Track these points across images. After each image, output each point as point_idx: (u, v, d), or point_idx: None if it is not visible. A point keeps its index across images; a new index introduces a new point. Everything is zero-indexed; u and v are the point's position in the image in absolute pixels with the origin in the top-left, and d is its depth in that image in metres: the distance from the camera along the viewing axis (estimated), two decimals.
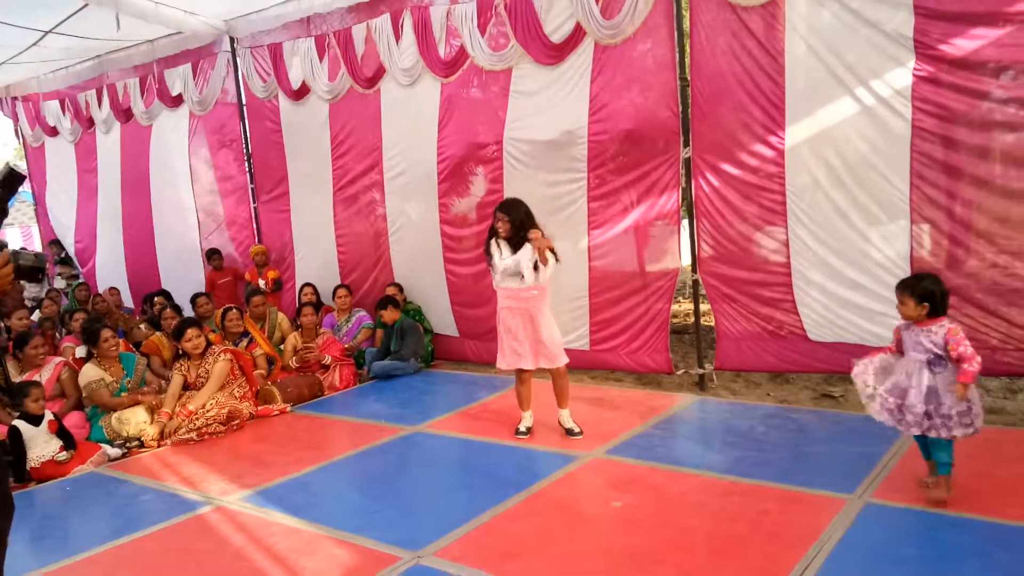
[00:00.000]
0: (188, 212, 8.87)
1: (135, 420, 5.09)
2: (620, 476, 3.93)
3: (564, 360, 4.53)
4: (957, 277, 4.49)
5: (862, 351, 4.81)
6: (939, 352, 3.28)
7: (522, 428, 4.64)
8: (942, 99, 4.40)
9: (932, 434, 3.27)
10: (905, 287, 3.39)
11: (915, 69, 4.44)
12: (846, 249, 4.87)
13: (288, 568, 3.19)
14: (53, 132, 10.00)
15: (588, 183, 5.86)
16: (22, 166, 2.30)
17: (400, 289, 6.97)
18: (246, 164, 8.28)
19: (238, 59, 8.03)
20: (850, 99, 4.69)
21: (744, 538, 3.15)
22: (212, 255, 8.25)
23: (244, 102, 8.14)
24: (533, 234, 4.38)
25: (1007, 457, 3.52)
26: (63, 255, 10.13)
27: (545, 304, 4.52)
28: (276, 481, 4.22)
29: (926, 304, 3.29)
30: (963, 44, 4.30)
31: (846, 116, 4.74)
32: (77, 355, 5.73)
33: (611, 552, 3.13)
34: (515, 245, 4.45)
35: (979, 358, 3.16)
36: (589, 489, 3.84)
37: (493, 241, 4.55)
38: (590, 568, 3.02)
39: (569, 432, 4.54)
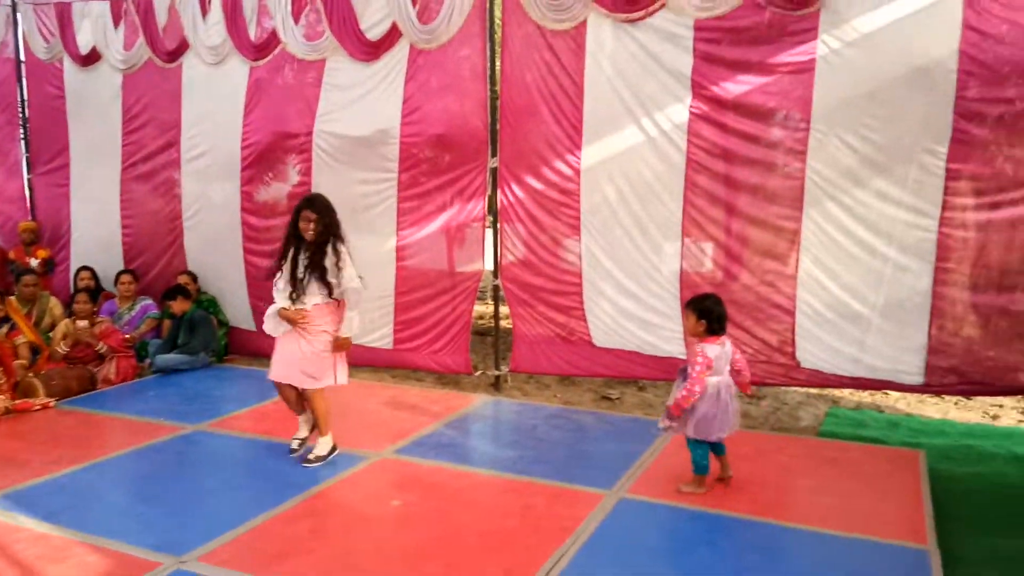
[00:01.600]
0: None
1: None
2: (404, 475, 4.01)
3: (315, 385, 4.14)
4: (719, 294, 5.03)
5: (638, 359, 5.36)
6: (686, 365, 3.72)
7: (293, 442, 4.30)
8: (713, 136, 4.92)
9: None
10: (689, 304, 3.78)
11: (691, 107, 4.93)
12: (629, 264, 5.30)
13: None
14: None
15: (399, 183, 5.90)
16: None
17: (193, 278, 6.59)
18: (20, 131, 7.44)
19: (19, 15, 7.20)
20: (637, 128, 5.11)
21: (510, 532, 3.35)
22: None
23: (24, 64, 7.31)
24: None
25: (742, 456, 4.01)
26: None
27: (327, 321, 4.13)
28: (29, 482, 3.86)
29: (703, 321, 3.68)
30: (733, 88, 4.84)
31: (634, 143, 5.16)
32: None
33: (383, 550, 3.20)
34: (314, 252, 4.05)
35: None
36: (371, 489, 3.88)
37: (294, 253, 4.10)
38: (361, 566, 3.07)
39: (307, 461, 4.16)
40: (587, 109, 5.30)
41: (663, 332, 5.20)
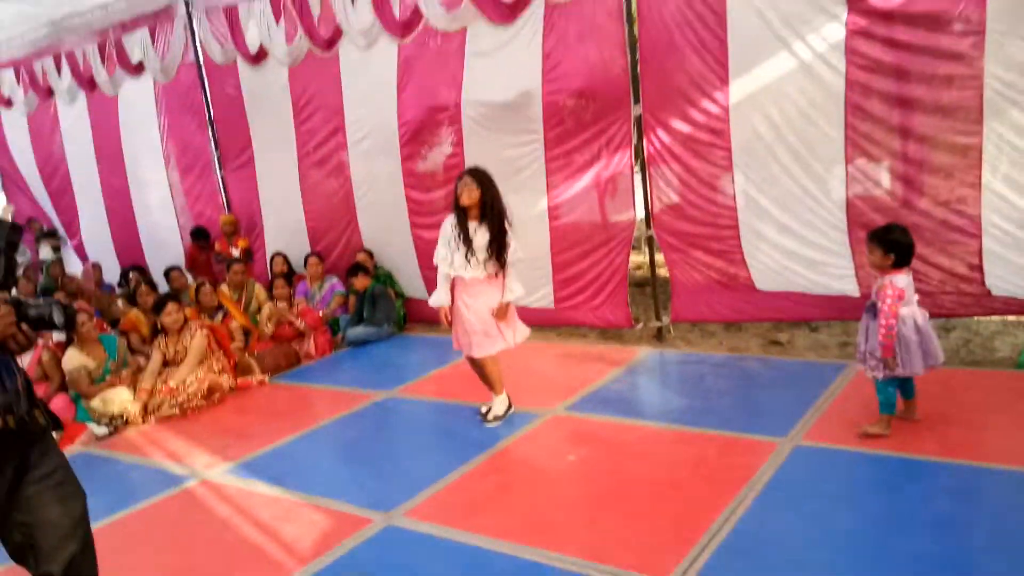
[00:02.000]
0: (161, 185, 8.88)
1: (119, 399, 5.31)
2: (577, 431, 4.23)
3: (481, 353, 4.36)
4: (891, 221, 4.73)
5: (807, 299, 5.18)
6: (874, 300, 3.58)
7: (483, 407, 4.54)
8: (874, 52, 4.56)
9: (868, 374, 3.60)
10: (873, 236, 3.62)
11: (848, 23, 4.58)
12: (789, 201, 5.08)
13: (270, 535, 3.47)
14: (7, 103, 9.85)
15: (545, 144, 6.00)
16: (7, 212, 2.26)
17: (370, 255, 7.14)
18: (209, 132, 8.31)
19: (194, 23, 7.96)
20: (788, 54, 4.83)
21: (683, 482, 3.46)
22: (199, 235, 8.21)
23: (204, 68, 8.10)
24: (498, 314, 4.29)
25: (929, 394, 3.82)
26: (46, 228, 10.12)
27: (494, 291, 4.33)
28: (257, 452, 4.49)
29: (891, 255, 3.53)
30: None
31: (786, 70, 4.88)
32: (55, 339, 5.90)
33: (564, 502, 3.44)
34: (482, 219, 4.23)
35: (891, 321, 3.44)
36: (548, 445, 4.13)
37: (459, 223, 4.28)
38: (546, 518, 3.32)
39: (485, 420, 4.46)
40: (731, 40, 5.06)
41: (832, 270, 4.97)
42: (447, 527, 3.32)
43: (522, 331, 4.54)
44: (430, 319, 7.01)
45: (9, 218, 2.49)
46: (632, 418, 4.28)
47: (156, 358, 5.56)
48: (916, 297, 3.59)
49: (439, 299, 4.49)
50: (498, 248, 4.24)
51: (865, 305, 3.70)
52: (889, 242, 3.53)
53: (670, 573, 2.77)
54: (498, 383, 4.48)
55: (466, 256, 4.27)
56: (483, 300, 4.33)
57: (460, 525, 3.33)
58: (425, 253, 6.88)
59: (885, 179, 4.74)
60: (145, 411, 5.32)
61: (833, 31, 4.66)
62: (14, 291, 2.19)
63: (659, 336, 5.73)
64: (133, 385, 5.50)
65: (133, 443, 4.97)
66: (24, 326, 2.08)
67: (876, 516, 3.02)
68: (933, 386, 3.94)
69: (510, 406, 4.52)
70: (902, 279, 3.52)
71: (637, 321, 5.91)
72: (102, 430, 5.15)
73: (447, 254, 4.36)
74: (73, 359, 5.44)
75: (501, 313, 4.34)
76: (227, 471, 4.27)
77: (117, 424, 5.26)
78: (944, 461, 3.34)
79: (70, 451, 4.91)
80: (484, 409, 4.58)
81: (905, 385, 3.66)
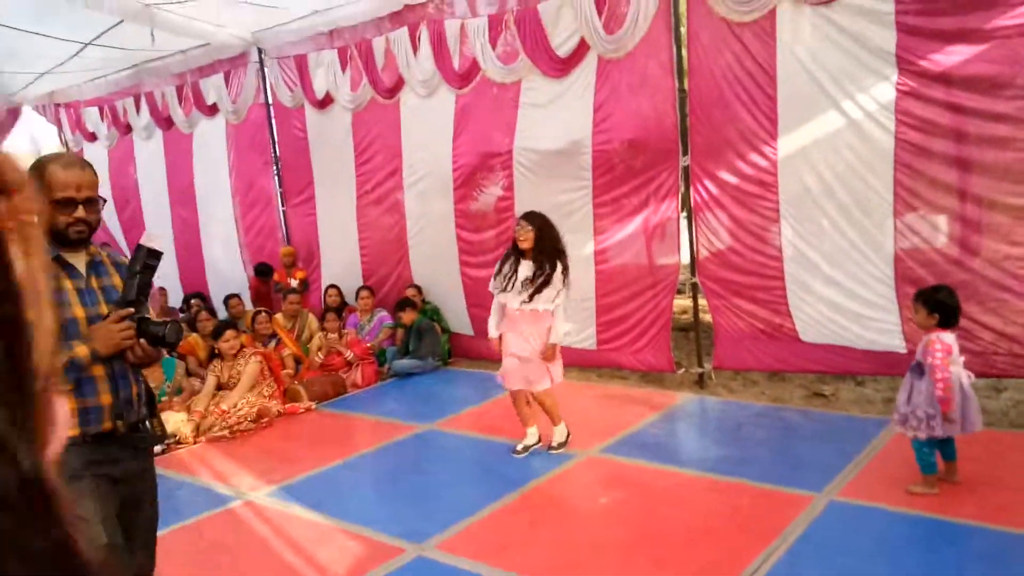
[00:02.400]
0: (227, 219, 9.30)
1: (173, 419, 5.55)
2: (611, 473, 4.26)
3: (542, 387, 4.51)
4: (935, 281, 4.69)
5: (852, 353, 5.15)
6: (919, 360, 3.56)
7: (519, 446, 4.65)
8: (924, 113, 4.59)
9: (908, 434, 3.57)
10: (919, 296, 3.65)
11: (898, 84, 4.63)
12: (836, 254, 5.10)
13: (305, 557, 3.59)
14: (92, 138, 10.53)
15: (593, 190, 6.15)
16: (156, 239, 2.38)
17: (419, 290, 7.34)
18: (274, 169, 8.72)
19: (266, 70, 8.43)
20: (837, 112, 4.90)
21: (715, 531, 3.46)
22: (263, 271, 8.48)
23: (272, 111, 8.56)
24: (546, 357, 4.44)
25: (972, 457, 3.75)
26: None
27: (545, 327, 4.47)
28: (299, 476, 4.63)
29: (936, 315, 3.54)
30: (943, 60, 4.48)
31: (834, 128, 4.95)
32: None
33: (595, 543, 3.47)
34: (534, 258, 4.43)
35: (946, 375, 3.41)
36: (581, 486, 4.17)
37: (512, 259, 4.51)
38: (574, 557, 3.36)
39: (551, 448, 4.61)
40: (781, 97, 5.16)
41: (878, 325, 4.94)
42: (476, 561, 3.38)
43: (559, 372, 4.64)
44: (474, 355, 7.20)
45: (155, 245, 2.62)
46: (668, 464, 4.29)
47: (211, 381, 5.81)
48: (962, 359, 3.56)
49: (491, 331, 4.69)
50: (537, 286, 4.39)
51: (910, 364, 3.68)
52: (935, 302, 3.54)
53: None
54: (556, 413, 4.63)
55: (505, 288, 4.51)
56: (533, 339, 4.47)
57: (489, 560, 3.39)
58: (472, 291, 7.07)
59: (935, 236, 4.72)
60: (197, 431, 5.54)
61: (883, 91, 4.72)
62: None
63: (700, 382, 5.73)
64: (187, 408, 5.75)
65: (183, 462, 5.18)
66: (143, 342, 2.22)
67: None
68: (977, 448, 3.86)
69: (569, 434, 4.66)
70: (949, 336, 3.50)
71: (679, 366, 5.93)
72: (156, 447, 5.37)
73: (497, 285, 4.58)
74: None
75: (548, 355, 4.47)
76: (270, 493, 4.43)
77: (169, 443, 5.49)
78: (982, 526, 3.27)
79: None
80: (520, 447, 4.67)
81: (945, 447, 3.61)
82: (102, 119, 10.23)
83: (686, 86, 5.58)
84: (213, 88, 8.85)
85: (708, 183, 5.59)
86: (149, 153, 9.94)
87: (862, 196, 4.93)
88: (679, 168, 5.68)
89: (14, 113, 10.91)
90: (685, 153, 5.63)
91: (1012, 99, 4.29)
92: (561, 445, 4.62)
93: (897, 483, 3.67)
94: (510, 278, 4.50)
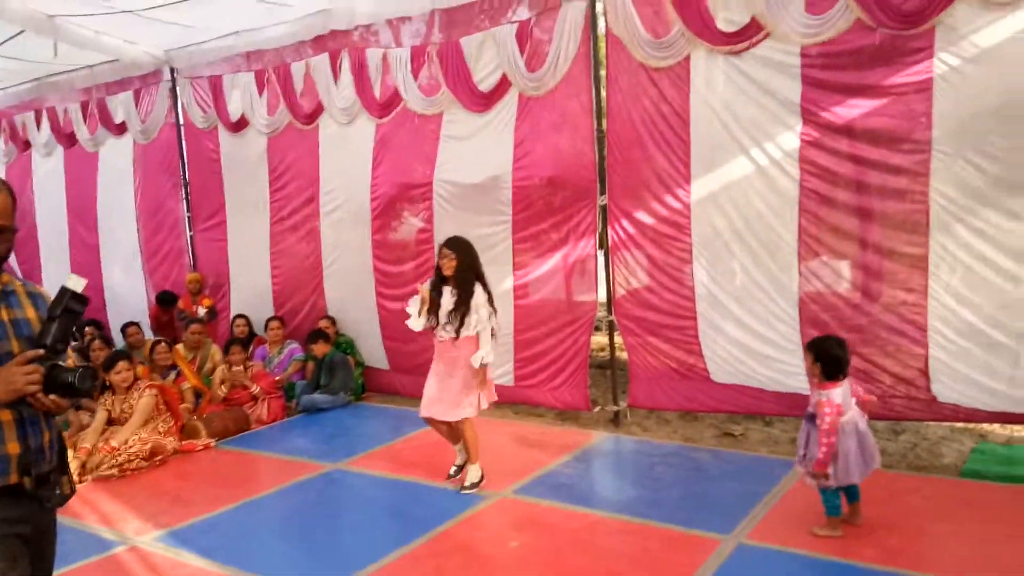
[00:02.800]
0: (130, 242, 8.84)
1: None
2: (523, 516, 4.16)
3: (460, 415, 4.47)
4: (842, 328, 4.85)
5: (761, 394, 5.24)
6: (812, 411, 3.63)
7: (452, 470, 4.68)
8: (827, 163, 4.78)
9: (806, 480, 3.64)
10: (809, 345, 3.74)
11: (802, 134, 4.82)
12: (745, 297, 5.21)
13: None
14: None
15: (513, 225, 6.13)
16: (79, 283, 2.12)
17: (332, 322, 7.12)
18: (183, 192, 8.36)
19: (178, 89, 8.12)
20: (746, 158, 5.05)
21: None
22: (165, 299, 8.04)
23: (183, 132, 8.23)
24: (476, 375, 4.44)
25: (873, 498, 3.83)
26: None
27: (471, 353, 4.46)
28: (191, 520, 4.33)
29: (819, 364, 3.62)
30: (845, 112, 4.68)
31: (743, 173, 5.09)
32: None
33: None
34: (457, 285, 4.45)
35: (830, 439, 3.51)
36: (491, 529, 4.05)
37: (437, 286, 4.52)
38: None
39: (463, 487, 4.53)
40: (694, 141, 5.29)
41: (785, 367, 5.05)
42: None
43: (491, 395, 4.65)
44: (389, 390, 7.01)
45: (78, 288, 2.36)
46: (580, 505, 4.22)
47: (100, 416, 5.41)
48: (854, 400, 3.65)
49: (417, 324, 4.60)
50: (462, 315, 4.41)
51: (805, 412, 3.76)
52: (820, 352, 3.63)
53: None
54: (475, 450, 4.56)
55: (431, 319, 4.50)
56: (459, 365, 4.46)
57: None
58: (388, 323, 6.90)
59: (837, 281, 4.89)
60: (83, 470, 5.14)
61: (788, 140, 4.90)
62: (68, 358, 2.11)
63: (616, 421, 5.73)
64: (73, 445, 5.33)
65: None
66: (51, 395, 1.94)
67: None
68: (878, 491, 3.96)
69: (483, 477, 4.54)
70: (837, 393, 3.58)
71: (595, 404, 5.91)
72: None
73: (423, 322, 4.54)
74: None
75: (479, 381, 4.46)
76: (158, 538, 4.11)
77: None
78: (883, 569, 3.32)
79: None
80: (453, 471, 4.65)
81: (849, 489, 3.68)
82: None
83: (604, 127, 5.66)
84: (121, 106, 8.46)
85: (625, 222, 5.65)
86: (48, 171, 9.41)
87: (769, 240, 5.07)
88: (597, 206, 5.73)
89: None
90: (603, 192, 5.68)
91: (909, 152, 4.51)
92: (474, 486, 4.50)
93: (803, 524, 3.71)
94: (433, 313, 4.50)
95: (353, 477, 4.96)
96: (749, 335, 5.19)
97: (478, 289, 4.48)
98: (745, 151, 5.05)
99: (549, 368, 6.11)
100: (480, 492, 4.47)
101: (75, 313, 2.05)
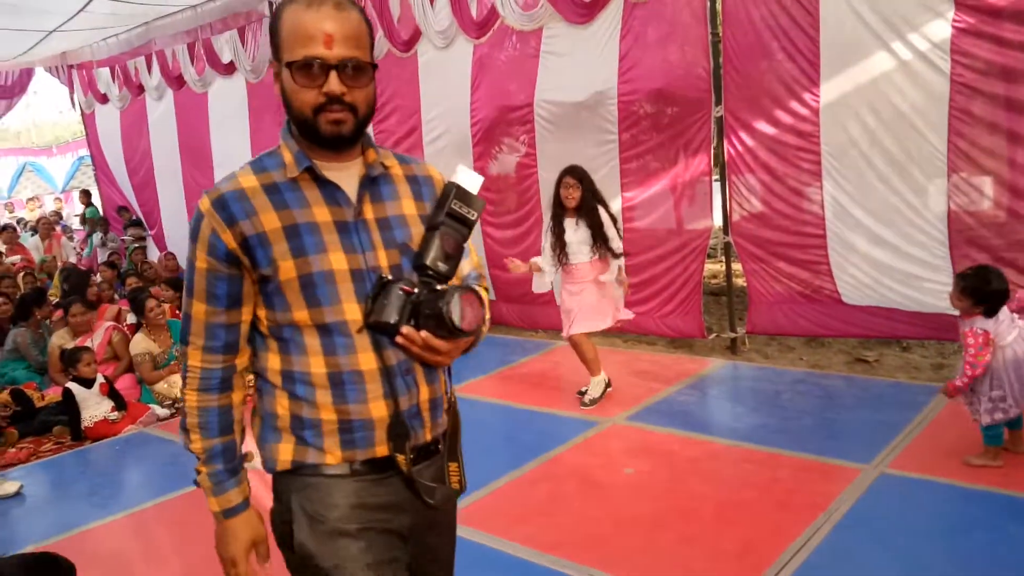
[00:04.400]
0: None
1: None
2: (637, 442, 3.98)
3: (577, 330, 4.54)
4: (996, 239, 4.32)
5: (899, 315, 4.78)
6: None
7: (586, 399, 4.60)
8: (982, 52, 4.17)
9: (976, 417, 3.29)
10: (957, 278, 3.37)
11: (954, 20, 4.20)
12: (884, 210, 4.70)
13: None
14: (104, 99, 10.34)
15: (620, 144, 5.79)
16: (472, 179, 1.42)
17: None
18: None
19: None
20: (886, 53, 4.48)
21: (752, 505, 3.17)
22: None
23: None
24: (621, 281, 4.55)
25: None
26: (134, 218, 10.54)
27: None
28: None
29: (968, 299, 3.24)
30: None
31: (883, 70, 4.53)
32: (129, 321, 6.03)
33: (617, 518, 3.20)
34: (584, 215, 4.42)
35: (974, 371, 3.17)
36: (605, 455, 3.90)
37: (557, 220, 4.52)
38: (596, 532, 3.09)
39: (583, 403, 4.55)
40: (824, 39, 4.74)
41: (928, 285, 4.54)
42: (492, 535, 3.13)
43: (625, 313, 4.74)
44: (495, 320, 6.91)
45: (472, 186, 1.84)
46: (698, 433, 3.99)
47: None
48: (1018, 323, 3.21)
49: (542, 284, 4.77)
50: (603, 239, 4.42)
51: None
52: (966, 288, 3.24)
53: None
54: (596, 364, 4.58)
55: (559, 256, 4.50)
56: (590, 282, 4.50)
57: (506, 534, 3.14)
58: (494, 253, 6.76)
59: (994, 190, 4.32)
60: None
61: (937, 28, 4.29)
62: None
63: (733, 348, 5.41)
64: None
65: None
66: (423, 332, 1.36)
67: (970, 556, 2.68)
68: None
69: (608, 384, 4.62)
70: (986, 322, 3.18)
71: (710, 331, 5.60)
72: (164, 412, 5.21)
73: (551, 250, 4.55)
74: (139, 344, 5.53)
75: (621, 282, 4.56)
76: None
77: (179, 407, 5.30)
78: None
79: (131, 430, 4.97)
80: (587, 400, 4.59)
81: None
82: (113, 80, 10.01)
83: (719, 29, 5.18)
84: (227, 45, 8.55)
85: (743, 134, 5.19)
86: (161, 113, 9.70)
87: (914, 147, 4.50)
88: (712, 119, 5.30)
89: (27, 74, 10.74)
90: (719, 103, 5.24)
91: None
92: (594, 401, 4.51)
93: (954, 454, 3.34)
94: (562, 247, 4.48)
95: (463, 403, 4.85)
96: (888, 252, 4.69)
97: (604, 216, 4.45)
98: (885, 45, 4.46)
99: (660, 295, 5.81)
100: (591, 418, 4.31)
101: (464, 223, 1.45)
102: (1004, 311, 3.22)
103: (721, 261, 5.72)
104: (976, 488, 3.10)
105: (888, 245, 4.71)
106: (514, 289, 6.67)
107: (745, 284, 5.41)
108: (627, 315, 4.73)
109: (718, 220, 5.49)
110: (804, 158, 4.97)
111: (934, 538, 2.83)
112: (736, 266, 5.57)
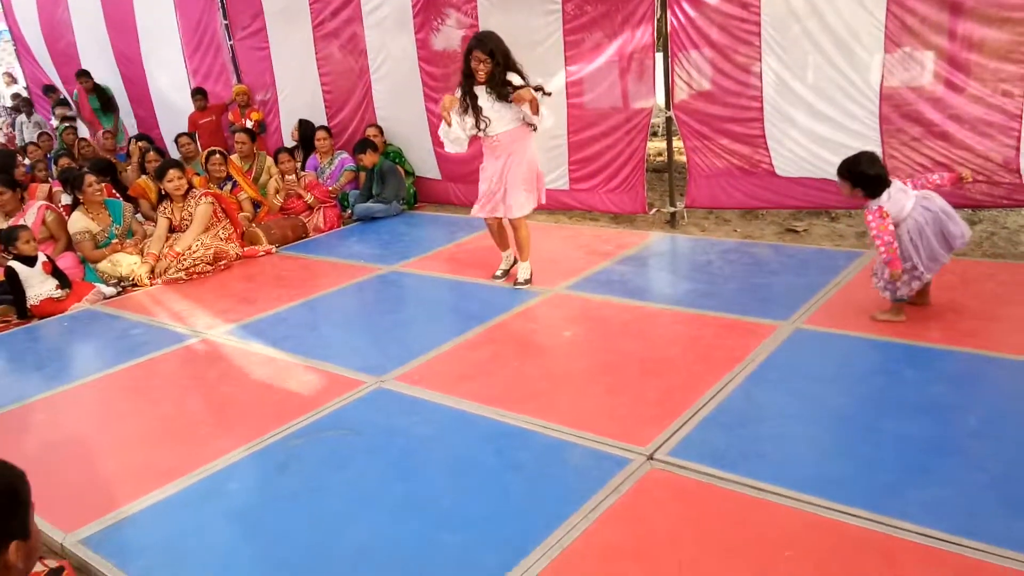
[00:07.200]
0: (174, 52, 8.65)
1: (127, 261, 5.35)
2: (576, 309, 4.17)
3: (520, 212, 4.39)
4: (930, 110, 4.47)
5: (828, 186, 4.96)
6: None
7: (498, 272, 4.70)
8: None
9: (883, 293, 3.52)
10: (840, 171, 3.50)
11: None
12: (819, 82, 4.79)
13: (263, 391, 3.52)
14: None
15: (563, 15, 5.68)
16: None
17: (380, 131, 6.95)
18: (219, 3, 8.00)
19: None
20: None
21: (674, 360, 3.42)
22: (196, 95, 8.13)
23: None
24: (518, 97, 4.11)
25: (944, 284, 3.68)
26: (61, 97, 10.02)
27: (524, 146, 4.35)
28: (258, 316, 4.51)
29: (846, 183, 3.44)
30: None
31: None
32: (63, 202, 5.89)
33: (552, 374, 3.42)
34: (496, 88, 4.18)
35: (886, 245, 3.34)
36: (545, 321, 4.09)
37: (468, 91, 4.24)
38: (533, 387, 3.31)
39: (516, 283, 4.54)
40: None
41: None
42: (435, 392, 3.33)
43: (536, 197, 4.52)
44: (441, 199, 6.96)
45: None
46: (633, 299, 4.20)
47: (162, 224, 5.55)
48: (913, 194, 3.40)
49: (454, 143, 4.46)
50: (506, 102, 4.18)
51: None
52: (856, 176, 3.40)
53: (650, 442, 2.74)
54: (527, 248, 4.55)
55: (477, 124, 4.29)
56: (515, 159, 4.32)
57: (448, 390, 3.33)
58: (438, 129, 6.69)
59: (933, 64, 4.42)
60: (152, 274, 5.35)
61: None
62: None
63: (672, 222, 5.58)
64: (141, 251, 5.52)
65: (139, 303, 5.02)
66: None
67: (869, 398, 2.96)
68: (949, 276, 3.78)
69: (532, 276, 4.58)
70: (878, 202, 3.38)
71: (651, 207, 5.74)
72: (110, 290, 5.21)
73: (466, 129, 4.34)
74: (77, 222, 5.45)
75: (521, 97, 4.10)
76: (228, 332, 4.31)
77: (125, 285, 5.32)
78: (948, 348, 3.24)
79: (78, 307, 4.99)
80: (499, 273, 4.67)
81: None
82: None
83: None
84: None
85: (686, 6, 5.15)
86: None
87: (853, 19, 4.55)
88: None
89: None
90: None
91: None
92: (527, 282, 4.53)
93: (865, 311, 3.61)
94: (475, 117, 4.26)
95: (410, 278, 5.03)
96: (825, 125, 4.82)
97: (515, 79, 4.18)
98: None
99: (604, 171, 5.89)
100: (533, 288, 4.47)
101: None
102: (896, 187, 3.40)
103: (664, 139, 5.78)
104: (879, 339, 3.38)
105: (825, 118, 4.83)
106: (460, 168, 6.66)
107: (686, 161, 5.51)
108: (518, 211, 4.40)
109: (660, 97, 5.51)
110: (745, 30, 4.97)
111: (838, 383, 3.10)
112: (678, 143, 5.65)
